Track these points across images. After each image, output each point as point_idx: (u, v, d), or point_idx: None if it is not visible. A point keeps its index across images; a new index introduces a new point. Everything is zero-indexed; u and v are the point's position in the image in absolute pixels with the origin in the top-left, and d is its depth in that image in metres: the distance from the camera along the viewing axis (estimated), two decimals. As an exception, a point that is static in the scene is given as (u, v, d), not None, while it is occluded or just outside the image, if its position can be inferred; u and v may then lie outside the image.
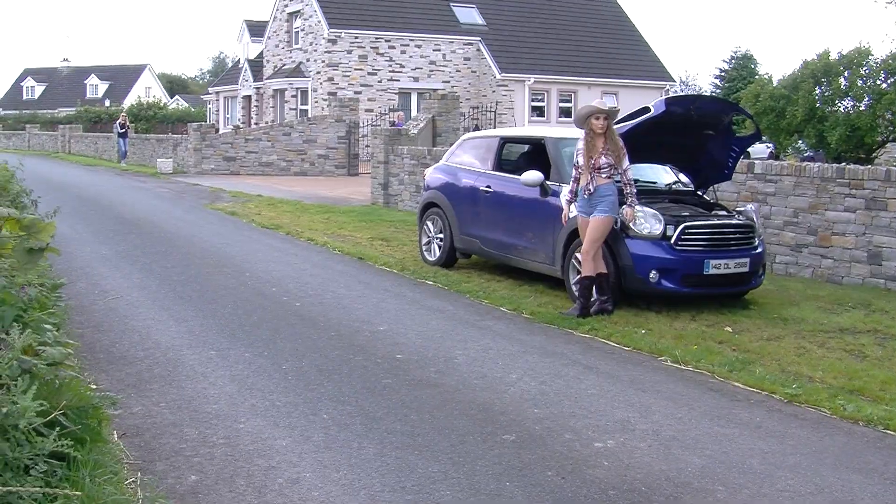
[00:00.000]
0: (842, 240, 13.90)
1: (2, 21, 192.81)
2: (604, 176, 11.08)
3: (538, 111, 51.42)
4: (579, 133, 12.79)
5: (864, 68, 29.19)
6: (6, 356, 4.52)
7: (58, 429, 4.53)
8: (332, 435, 6.90)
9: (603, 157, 11.06)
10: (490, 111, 47.01)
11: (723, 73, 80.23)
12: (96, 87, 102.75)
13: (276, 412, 7.45)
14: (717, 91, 78.32)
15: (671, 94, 52.65)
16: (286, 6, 53.00)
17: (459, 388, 8.22)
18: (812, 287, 13.43)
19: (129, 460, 6.28)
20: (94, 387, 7.84)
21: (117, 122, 48.86)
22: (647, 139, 11.88)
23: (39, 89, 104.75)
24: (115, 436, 6.66)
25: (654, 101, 11.84)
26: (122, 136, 46.81)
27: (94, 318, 10.93)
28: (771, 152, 40.58)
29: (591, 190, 11.20)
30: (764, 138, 38.77)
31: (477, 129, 41.97)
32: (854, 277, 13.71)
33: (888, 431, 7.31)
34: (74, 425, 4.79)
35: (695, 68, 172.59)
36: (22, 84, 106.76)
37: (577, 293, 11.42)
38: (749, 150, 45.83)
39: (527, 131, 17.73)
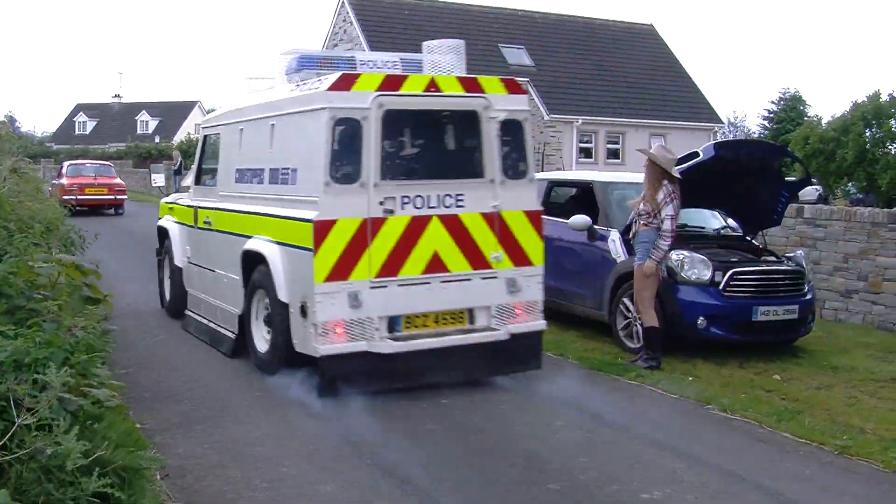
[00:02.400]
0: (893, 286, 13.75)
1: (56, 57, 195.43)
2: (641, 223, 10.97)
3: (586, 152, 51.32)
4: (629, 177, 12.76)
5: (917, 110, 29.02)
6: (46, 395, 4.52)
7: (98, 468, 4.52)
8: (377, 481, 6.87)
9: (642, 203, 10.97)
10: (538, 152, 46.99)
11: (771, 115, 79.73)
12: (147, 123, 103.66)
13: (320, 457, 7.44)
14: (765, 132, 77.87)
15: (720, 136, 52.61)
16: (335, 46, 53.28)
17: (505, 435, 8.16)
18: (862, 334, 13.29)
19: (171, 502, 6.28)
20: (139, 426, 7.88)
21: (174, 162, 48.81)
22: (696, 183, 11.80)
23: (91, 124, 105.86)
24: (158, 476, 6.65)
25: (703, 144, 11.78)
26: (177, 172, 47.09)
27: (141, 355, 10.96)
28: (820, 195, 40.35)
29: (631, 236, 11.20)
30: (813, 181, 38.59)
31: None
32: (905, 325, 13.55)
33: (943, 487, 7.18)
34: (117, 466, 4.78)
35: (743, 109, 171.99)
36: (74, 119, 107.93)
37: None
38: (798, 194, 45.72)
39: (575, 175, 17.70)
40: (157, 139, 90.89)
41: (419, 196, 9.51)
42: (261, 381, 9.84)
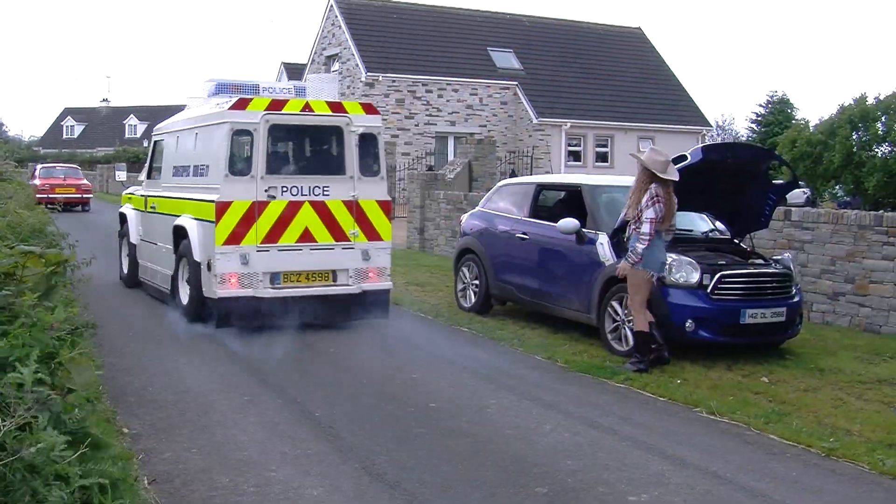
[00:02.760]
0: (880, 288, 13.77)
1: (43, 61, 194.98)
2: (632, 228, 10.99)
3: (574, 156, 51.42)
4: (617, 180, 12.75)
5: (903, 113, 29.07)
6: (28, 396, 4.50)
7: (80, 465, 4.52)
8: (363, 485, 6.86)
9: (630, 209, 11.02)
10: (527, 155, 47.05)
11: (759, 118, 79.83)
12: (135, 128, 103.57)
13: (307, 460, 7.42)
14: (753, 135, 77.99)
15: (708, 140, 52.65)
16: (324, 50, 53.34)
17: (492, 438, 8.16)
18: (849, 336, 13.30)
19: (158, 507, 6.26)
20: (126, 430, 7.87)
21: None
22: (683, 187, 11.80)
23: (79, 128, 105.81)
24: (146, 481, 6.64)
25: (691, 147, 11.80)
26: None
27: (126, 360, 10.96)
28: (808, 198, 40.42)
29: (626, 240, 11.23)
30: (801, 183, 38.63)
31: (513, 173, 41.98)
32: (892, 327, 13.57)
33: (929, 488, 7.19)
34: (100, 469, 4.77)
35: (731, 112, 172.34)
36: (62, 123, 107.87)
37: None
38: (786, 196, 45.79)
39: (563, 178, 17.72)
40: (145, 143, 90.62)
41: (295, 186, 13.18)
42: (247, 386, 9.84)
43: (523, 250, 13.89)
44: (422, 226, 25.72)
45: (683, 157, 11.56)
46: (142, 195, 16.85)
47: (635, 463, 7.55)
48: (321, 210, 13.26)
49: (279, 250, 12.98)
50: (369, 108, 14.00)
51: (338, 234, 13.36)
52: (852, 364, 11.54)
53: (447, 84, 50.01)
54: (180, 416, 8.64)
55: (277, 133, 13.48)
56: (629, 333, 11.66)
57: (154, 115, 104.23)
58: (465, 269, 15.23)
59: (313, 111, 13.38)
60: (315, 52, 54.92)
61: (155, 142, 16.86)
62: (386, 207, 13.78)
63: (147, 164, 17.15)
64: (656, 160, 10.83)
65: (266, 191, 12.89)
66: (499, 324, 13.86)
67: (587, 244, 12.49)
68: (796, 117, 70.63)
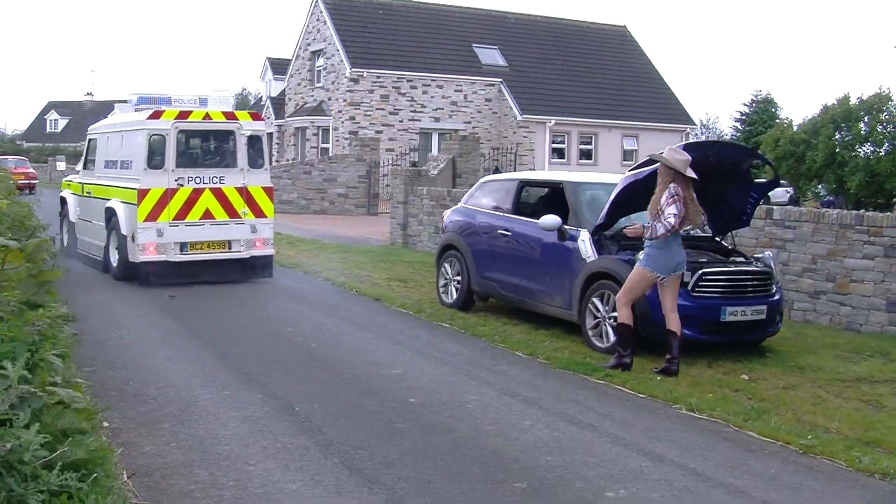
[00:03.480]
0: (860, 287, 13.83)
1: (27, 54, 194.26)
2: (649, 225, 10.85)
3: (559, 153, 51.50)
4: (599, 177, 12.75)
5: (884, 114, 29.11)
6: (10, 394, 4.51)
7: (60, 463, 4.53)
8: (343, 480, 6.87)
9: (651, 206, 10.89)
10: (510, 152, 47.10)
11: (743, 117, 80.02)
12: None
13: (287, 455, 7.43)
14: (738, 134, 78.18)
15: (692, 138, 52.72)
16: (309, 45, 53.31)
17: (472, 434, 8.18)
18: (830, 335, 13.36)
19: (136, 500, 6.26)
20: (106, 424, 7.86)
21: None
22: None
23: (63, 122, 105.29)
24: (125, 475, 6.63)
25: (670, 145, 11.80)
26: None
27: (108, 354, 10.97)
28: (791, 197, 40.48)
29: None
30: (783, 182, 38.69)
31: (497, 170, 42.02)
32: (872, 325, 13.63)
33: (905, 485, 7.23)
34: (78, 464, 4.78)
35: (715, 111, 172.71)
36: (46, 117, 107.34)
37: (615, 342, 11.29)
38: (769, 194, 45.83)
39: (545, 175, 17.78)
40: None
41: (198, 177, 17.11)
42: (228, 381, 9.85)
43: (505, 246, 13.91)
44: (405, 222, 25.73)
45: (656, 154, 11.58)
46: (79, 182, 20.62)
47: (614, 459, 7.58)
48: (218, 194, 17.20)
49: (186, 225, 16.94)
50: (256, 116, 18.55)
51: (231, 212, 17.36)
52: (832, 362, 11.59)
53: (432, 80, 50.02)
54: (161, 411, 8.64)
55: (185, 136, 17.45)
56: (610, 330, 11.70)
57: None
58: (447, 265, 15.25)
59: (212, 119, 17.53)
60: (300, 48, 54.89)
61: (90, 139, 20.68)
62: (269, 192, 18.00)
63: (83, 157, 20.87)
64: (678, 159, 10.72)
65: (176, 180, 16.82)
66: (480, 320, 13.88)
67: (569, 241, 12.52)
68: (780, 116, 70.77)
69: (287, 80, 57.67)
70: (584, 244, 12.16)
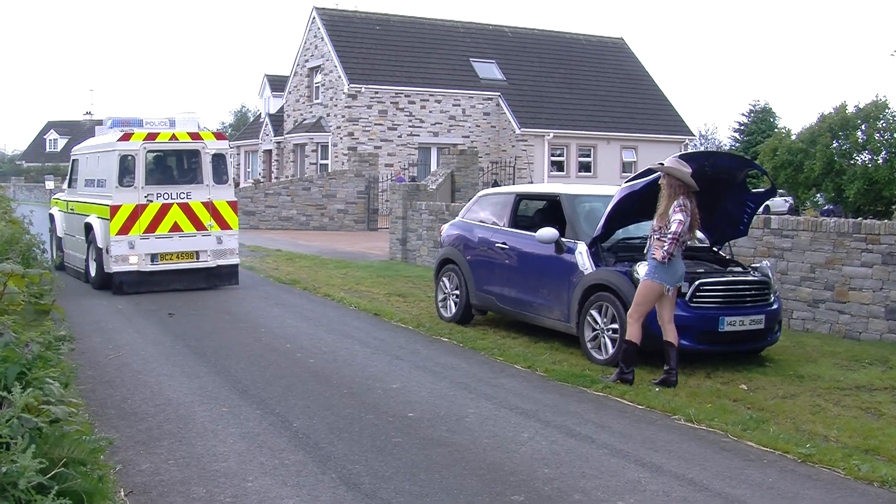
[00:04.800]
0: (859, 295, 13.83)
1: (27, 75, 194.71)
2: (655, 238, 10.79)
3: (558, 166, 51.52)
4: (596, 189, 12.73)
5: (882, 121, 29.12)
6: (7, 414, 4.52)
7: (56, 486, 4.52)
8: (340, 495, 6.87)
9: (657, 219, 10.88)
10: (509, 166, 47.14)
11: (742, 127, 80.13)
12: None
13: (284, 471, 7.43)
14: (736, 145, 78.27)
15: (690, 149, 52.74)
16: (307, 62, 53.38)
17: (470, 447, 8.17)
18: (829, 343, 13.35)
19: (134, 520, 6.26)
20: (105, 435, 7.84)
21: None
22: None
23: (62, 142, 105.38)
24: (122, 493, 6.66)
25: (668, 156, 11.81)
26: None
27: (107, 373, 10.97)
28: (791, 206, 40.47)
29: (645, 251, 11.09)
30: (782, 192, 38.67)
31: (496, 184, 42.07)
32: (872, 333, 13.63)
33: (904, 493, 7.23)
34: (75, 482, 4.77)
35: (714, 121, 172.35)
36: (45, 136, 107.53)
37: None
38: (769, 204, 45.81)
39: (542, 188, 17.76)
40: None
41: (166, 192, 18.41)
42: (227, 397, 9.85)
43: (503, 260, 13.92)
44: (404, 237, 25.73)
45: (662, 166, 11.58)
46: (65, 200, 22.16)
47: (612, 470, 7.58)
48: (186, 209, 18.54)
49: (156, 238, 18.29)
50: (220, 136, 19.96)
51: (198, 225, 18.70)
52: (831, 371, 11.58)
53: (430, 95, 50.06)
54: (159, 428, 8.64)
55: (154, 155, 19.11)
56: (608, 342, 11.70)
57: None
58: (445, 280, 15.25)
59: (178, 139, 18.94)
60: (298, 64, 54.96)
61: (73, 160, 22.09)
62: (233, 206, 19.31)
63: (68, 177, 22.60)
64: (684, 171, 10.73)
65: (146, 196, 18.19)
66: (479, 333, 13.88)
67: (566, 253, 12.53)
68: (779, 126, 70.84)
69: (285, 96, 57.73)
70: (582, 256, 12.18)
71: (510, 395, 10.19)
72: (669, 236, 10.46)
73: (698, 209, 11.15)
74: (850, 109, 30.25)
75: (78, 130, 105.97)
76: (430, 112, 50.13)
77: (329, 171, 47.16)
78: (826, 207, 32.93)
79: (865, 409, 9.85)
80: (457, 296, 14.91)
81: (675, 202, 10.58)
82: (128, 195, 18.07)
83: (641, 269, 11.42)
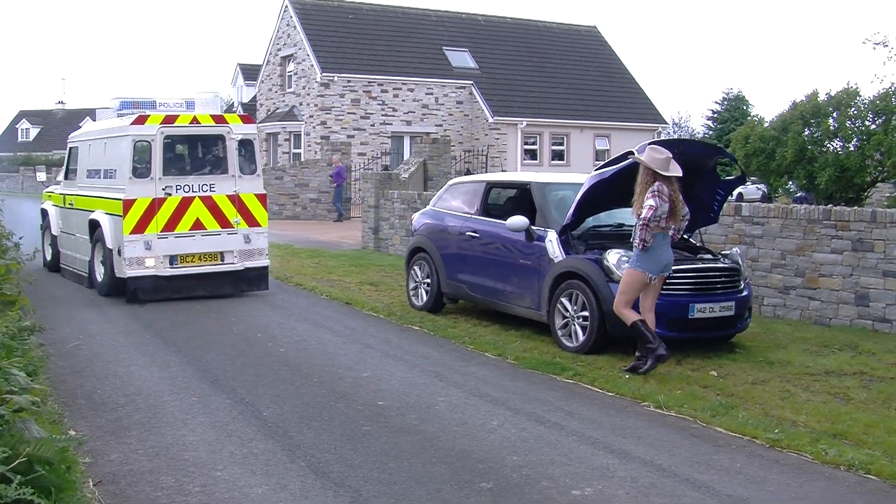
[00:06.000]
0: (829, 281, 13.90)
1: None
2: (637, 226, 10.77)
3: (531, 154, 51.50)
4: (566, 177, 12.73)
5: (853, 109, 29.17)
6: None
7: (19, 476, 4.50)
8: (309, 483, 6.87)
9: (634, 208, 10.84)
10: (482, 154, 47.12)
11: (715, 115, 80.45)
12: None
13: (254, 460, 7.43)
14: (710, 132, 78.56)
15: (664, 136, 52.82)
16: (279, 50, 53.20)
17: (439, 435, 8.19)
18: (799, 329, 13.41)
19: (102, 509, 6.25)
20: (72, 433, 7.83)
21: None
22: (632, 183, 11.86)
23: (34, 131, 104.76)
24: (91, 483, 6.65)
25: (640, 144, 11.83)
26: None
27: (78, 363, 10.92)
28: (763, 194, 40.56)
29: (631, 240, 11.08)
30: (754, 179, 38.75)
31: (468, 172, 42.06)
32: (842, 319, 13.70)
33: (870, 476, 7.27)
34: (41, 473, 4.75)
35: (687, 110, 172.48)
36: (17, 126, 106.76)
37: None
38: (742, 192, 45.92)
39: (513, 176, 17.81)
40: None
41: (187, 185, 16.17)
42: (197, 387, 9.84)
43: (474, 248, 13.92)
44: (376, 225, 25.70)
45: (631, 154, 11.60)
46: (60, 193, 19.74)
47: (580, 457, 7.60)
48: (209, 203, 16.30)
49: (175, 237, 16.03)
50: (247, 119, 17.48)
51: (223, 222, 16.45)
52: (801, 356, 11.64)
53: (402, 84, 49.96)
54: (129, 418, 8.63)
55: (171, 142, 16.52)
56: (579, 330, 11.73)
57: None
58: (416, 268, 15.25)
59: (200, 123, 16.56)
60: (270, 53, 54.77)
61: (70, 148, 19.68)
62: (262, 199, 16.95)
63: (64, 167, 20.21)
64: (656, 158, 10.69)
65: (163, 189, 15.94)
66: (450, 322, 13.89)
67: (536, 241, 12.55)
68: (752, 114, 71.05)
69: (258, 85, 57.53)
70: (552, 244, 12.20)
71: (480, 382, 10.21)
72: (640, 223, 10.47)
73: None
74: (822, 97, 30.31)
75: (50, 120, 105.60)
76: (403, 101, 50.04)
77: (302, 160, 47.02)
78: (798, 195, 32.99)
79: (834, 394, 9.90)
80: (428, 284, 14.91)
81: (650, 188, 10.60)
82: (143, 188, 15.76)
83: (611, 257, 11.48)
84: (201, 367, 10.82)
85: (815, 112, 29.78)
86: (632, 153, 11.59)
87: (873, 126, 28.89)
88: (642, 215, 10.45)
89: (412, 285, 15.40)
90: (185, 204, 16.04)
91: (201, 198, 16.20)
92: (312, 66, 48.67)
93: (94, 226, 16.76)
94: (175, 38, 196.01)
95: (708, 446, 8.03)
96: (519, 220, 12.62)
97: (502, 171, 46.08)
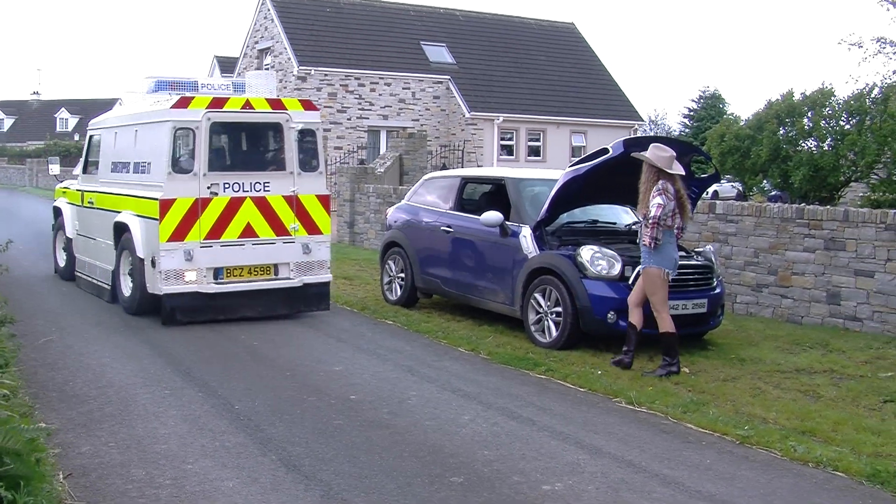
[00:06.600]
0: (801, 280, 13.97)
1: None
2: (643, 225, 10.81)
3: (507, 150, 51.49)
4: (541, 174, 12.74)
5: (827, 109, 29.27)
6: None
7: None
8: (280, 477, 6.88)
9: (640, 206, 10.88)
10: (458, 149, 47.12)
11: (691, 113, 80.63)
12: (66, 121, 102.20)
13: (225, 453, 7.42)
14: (686, 130, 78.72)
15: (639, 134, 52.96)
16: (256, 43, 53.06)
17: (411, 429, 8.20)
18: (772, 327, 13.49)
19: (72, 501, 6.24)
20: (43, 425, 7.80)
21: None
22: (606, 180, 11.92)
23: (9, 122, 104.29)
24: (61, 476, 6.63)
25: (613, 141, 11.89)
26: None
27: (50, 355, 10.88)
28: (739, 192, 40.68)
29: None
30: (729, 177, 38.84)
31: (444, 167, 42.08)
32: (813, 317, 13.78)
33: (837, 473, 7.32)
34: (10, 465, 4.73)
35: (664, 107, 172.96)
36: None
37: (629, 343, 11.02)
38: (717, 190, 46.08)
39: (488, 171, 17.82)
40: (76, 137, 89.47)
41: (236, 183, 13.51)
42: (170, 380, 9.82)
43: (448, 243, 13.94)
44: (352, 219, 25.71)
45: (605, 151, 11.65)
46: (78, 189, 16.96)
47: (551, 452, 7.62)
48: (262, 205, 13.65)
49: (222, 246, 13.37)
50: (308, 105, 14.38)
51: (279, 228, 13.77)
52: (772, 354, 11.71)
53: (380, 78, 49.89)
54: (101, 411, 8.60)
55: (219, 130, 13.76)
56: (552, 325, 11.77)
57: (86, 108, 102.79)
58: (390, 263, 15.26)
59: (253, 108, 13.72)
60: (247, 46, 54.62)
61: (90, 136, 16.89)
62: (325, 202, 14.21)
63: (83, 159, 17.17)
64: (661, 156, 10.69)
65: (208, 188, 13.26)
66: (424, 316, 13.91)
67: (511, 237, 12.58)
68: (728, 112, 71.26)
69: (235, 78, 57.33)
70: (526, 240, 12.24)
71: (453, 377, 10.23)
72: (650, 221, 10.48)
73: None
74: (797, 97, 30.41)
75: (25, 110, 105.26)
76: (380, 95, 49.97)
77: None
78: (773, 193, 33.07)
79: (804, 391, 9.96)
80: (402, 279, 14.92)
81: (654, 187, 10.61)
82: (184, 185, 13.11)
83: (585, 253, 11.51)
84: (173, 360, 10.81)
85: (790, 111, 29.87)
86: (606, 150, 11.64)
87: (848, 126, 29.01)
88: (652, 213, 10.47)
89: (386, 280, 15.41)
90: (233, 206, 13.46)
91: (253, 199, 13.61)
92: (290, 59, 48.56)
93: (121, 230, 14.22)
94: (152, 30, 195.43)
95: (678, 442, 8.07)
96: (493, 216, 12.65)
97: (478, 166, 46.08)
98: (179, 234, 13.05)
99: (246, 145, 14.59)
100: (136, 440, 7.73)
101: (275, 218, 13.74)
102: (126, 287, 14.17)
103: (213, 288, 13.26)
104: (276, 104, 14.00)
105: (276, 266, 13.84)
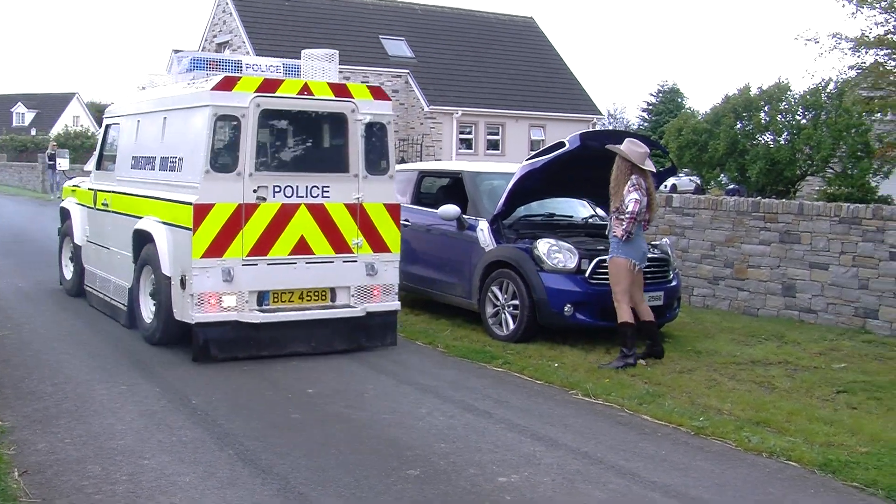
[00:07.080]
0: (757, 272, 14.10)
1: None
2: (613, 218, 10.89)
3: (466, 143, 51.55)
4: (498, 168, 12.78)
5: (784, 103, 29.57)
6: None
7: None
8: (237, 471, 6.87)
9: (613, 200, 10.95)
10: (417, 143, 47.11)
11: (650, 107, 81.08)
12: (23, 116, 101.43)
13: (182, 448, 7.40)
14: (645, 124, 79.12)
15: (595, 128, 53.11)
16: (215, 37, 52.83)
17: (368, 423, 8.22)
18: (728, 319, 13.60)
19: (27, 499, 6.21)
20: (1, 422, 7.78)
21: (46, 152, 47.95)
22: (563, 174, 11.97)
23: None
24: (16, 473, 6.60)
25: (570, 134, 11.94)
26: (52, 166, 45.74)
27: (5, 352, 10.79)
28: (696, 185, 40.91)
29: (606, 231, 11.27)
30: (686, 171, 39.08)
31: (403, 161, 42.05)
32: (769, 309, 13.91)
33: (790, 463, 7.41)
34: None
35: (623, 101, 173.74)
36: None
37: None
38: (675, 184, 46.26)
39: (445, 165, 17.81)
40: (33, 132, 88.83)
41: (289, 186, 10.81)
42: (127, 375, 9.77)
43: (406, 237, 13.91)
44: (311, 214, 25.63)
45: (562, 145, 11.71)
46: (89, 188, 14.35)
47: (508, 445, 7.66)
48: (320, 215, 11.04)
49: (269, 264, 10.75)
50: (378, 93, 11.71)
51: (339, 244, 11.17)
52: (728, 346, 11.82)
53: (339, 71, 49.73)
54: (57, 407, 8.54)
55: (270, 120, 11.07)
56: (509, 318, 11.82)
57: (44, 102, 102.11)
58: (349, 257, 15.24)
59: (313, 94, 11.10)
60: (206, 40, 54.37)
61: (107, 126, 14.32)
62: (395, 212, 11.57)
63: (97, 153, 14.63)
64: (636, 151, 10.75)
65: (255, 191, 10.64)
66: (383, 310, 13.90)
67: (468, 230, 12.62)
68: (686, 106, 71.66)
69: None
70: (483, 233, 12.28)
71: (410, 371, 10.27)
72: (628, 215, 10.57)
73: (601, 187, 11.28)
74: (754, 91, 30.67)
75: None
76: (340, 89, 49.82)
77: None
78: (731, 187, 33.33)
79: (759, 382, 10.07)
80: (361, 273, 14.90)
81: (629, 182, 10.67)
82: (226, 187, 10.46)
83: (542, 246, 11.57)
84: (131, 356, 10.74)
85: (746, 106, 30.13)
86: (563, 143, 11.70)
87: (803, 120, 29.33)
88: (629, 209, 10.55)
89: (345, 274, 15.38)
90: (285, 214, 10.82)
91: (309, 206, 10.96)
92: (248, 53, 48.34)
93: (143, 239, 11.66)
94: (109, 24, 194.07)
95: (634, 434, 8.12)
96: (450, 209, 12.68)
97: (436, 160, 46.10)
98: (217, 248, 10.44)
99: (302, 140, 11.72)
100: (92, 436, 7.68)
101: (334, 230, 11.13)
102: (147, 311, 11.71)
103: (257, 317, 10.59)
104: (341, 90, 11.35)
105: (333, 290, 11.25)
